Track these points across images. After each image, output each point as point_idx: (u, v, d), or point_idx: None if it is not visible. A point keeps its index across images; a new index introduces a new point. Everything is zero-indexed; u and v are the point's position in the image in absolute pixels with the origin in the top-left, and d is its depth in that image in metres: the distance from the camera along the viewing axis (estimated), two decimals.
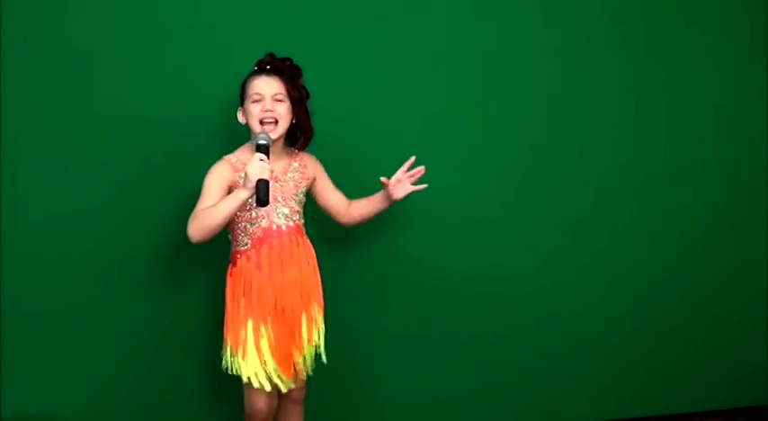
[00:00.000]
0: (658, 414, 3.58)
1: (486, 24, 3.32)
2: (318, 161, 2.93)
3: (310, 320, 2.77)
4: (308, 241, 2.84)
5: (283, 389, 2.74)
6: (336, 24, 3.19)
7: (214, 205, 2.66)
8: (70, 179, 3.02)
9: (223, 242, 2.82)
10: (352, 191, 3.03)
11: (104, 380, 3.09)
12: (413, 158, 2.84)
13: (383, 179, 2.84)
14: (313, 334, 2.77)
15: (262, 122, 2.72)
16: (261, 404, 2.75)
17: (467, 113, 3.33)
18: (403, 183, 2.85)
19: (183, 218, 2.94)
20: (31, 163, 2.99)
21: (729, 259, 3.59)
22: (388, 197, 2.87)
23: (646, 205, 3.50)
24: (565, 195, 3.43)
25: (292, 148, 2.87)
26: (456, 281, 3.35)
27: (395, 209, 3.21)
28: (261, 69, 2.79)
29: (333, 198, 2.94)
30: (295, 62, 2.83)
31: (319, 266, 2.85)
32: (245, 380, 2.71)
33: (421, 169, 2.85)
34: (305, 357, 2.77)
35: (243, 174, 2.69)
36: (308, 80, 2.88)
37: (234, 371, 2.71)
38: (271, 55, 2.82)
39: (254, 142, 2.68)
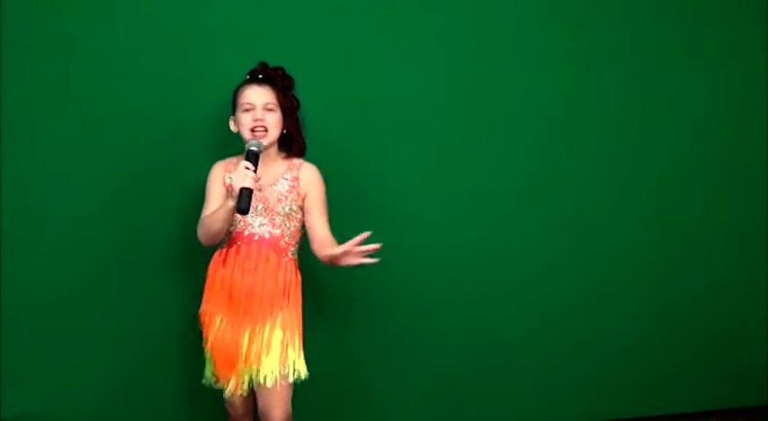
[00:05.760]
0: (658, 414, 3.58)
1: (490, 26, 3.32)
2: (320, 181, 2.78)
3: (252, 335, 2.70)
4: (289, 262, 2.74)
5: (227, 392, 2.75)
6: (335, 25, 3.19)
7: (211, 213, 2.72)
8: (69, 178, 3.02)
9: (221, 242, 2.82)
10: (353, 196, 3.08)
11: (104, 379, 3.09)
12: (366, 234, 2.60)
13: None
14: (253, 350, 2.69)
15: (253, 131, 2.72)
16: (231, 399, 2.79)
17: (469, 116, 3.33)
18: (352, 255, 2.62)
19: (181, 217, 2.96)
20: (31, 163, 2.99)
21: (730, 259, 3.59)
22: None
23: (648, 207, 3.51)
24: (568, 197, 3.43)
25: (292, 158, 2.82)
26: (460, 281, 3.35)
27: (398, 210, 3.23)
28: (253, 78, 2.78)
29: (310, 222, 2.76)
30: (287, 72, 2.81)
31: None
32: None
33: (374, 247, 2.59)
34: (246, 373, 2.71)
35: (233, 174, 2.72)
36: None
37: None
38: (263, 64, 2.81)
39: (245, 149, 2.67)
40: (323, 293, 3.09)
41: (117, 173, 3.05)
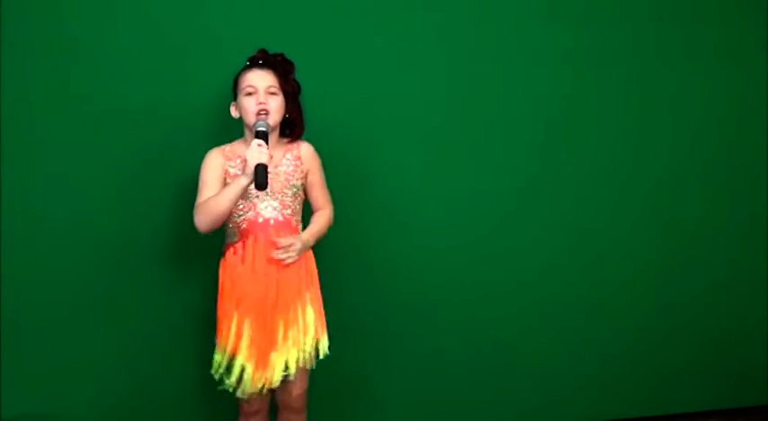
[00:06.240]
0: (658, 414, 3.58)
1: (490, 26, 3.32)
2: (317, 155, 2.86)
3: (287, 321, 2.71)
4: None
5: (255, 389, 2.71)
6: (335, 25, 3.19)
7: (217, 194, 2.69)
8: (69, 178, 3.02)
9: (223, 236, 2.83)
10: (353, 196, 3.09)
11: (105, 379, 3.09)
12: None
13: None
14: (290, 335, 2.70)
15: (258, 115, 2.73)
16: (249, 399, 2.75)
17: (469, 116, 3.33)
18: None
19: (181, 217, 2.95)
20: (31, 163, 2.99)
21: (730, 259, 3.59)
22: None
23: (648, 207, 3.50)
24: (568, 198, 3.43)
25: (290, 139, 2.84)
26: (460, 281, 3.35)
27: (398, 210, 3.23)
28: (254, 64, 2.80)
29: (312, 196, 2.87)
30: (287, 57, 2.84)
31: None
32: (215, 375, 2.72)
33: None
34: (286, 361, 2.69)
35: (234, 163, 2.74)
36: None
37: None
38: (263, 51, 2.83)
39: (254, 129, 2.70)
40: (321, 292, 3.08)
41: (117, 173, 3.05)
